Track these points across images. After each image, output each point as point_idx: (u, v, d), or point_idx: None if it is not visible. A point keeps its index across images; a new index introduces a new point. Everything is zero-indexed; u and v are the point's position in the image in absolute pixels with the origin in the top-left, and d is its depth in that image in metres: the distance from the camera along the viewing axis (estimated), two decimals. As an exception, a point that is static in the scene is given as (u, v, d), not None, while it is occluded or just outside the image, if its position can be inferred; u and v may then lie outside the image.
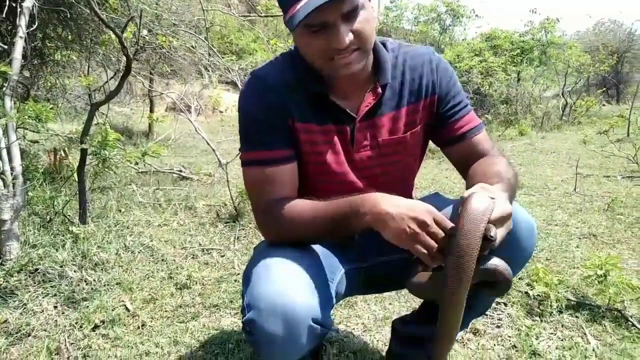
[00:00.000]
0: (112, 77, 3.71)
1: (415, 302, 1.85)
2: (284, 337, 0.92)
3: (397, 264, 1.14)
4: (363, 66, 1.04)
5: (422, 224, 0.89)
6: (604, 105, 11.17)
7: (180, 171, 3.93)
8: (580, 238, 2.66)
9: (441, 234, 0.89)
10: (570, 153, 5.82)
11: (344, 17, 0.96)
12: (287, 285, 0.95)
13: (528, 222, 1.08)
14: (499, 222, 0.87)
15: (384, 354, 1.57)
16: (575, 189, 3.77)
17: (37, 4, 2.14)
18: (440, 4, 11.73)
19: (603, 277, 1.86)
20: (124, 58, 2.22)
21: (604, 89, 13.38)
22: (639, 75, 14.91)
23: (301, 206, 1.04)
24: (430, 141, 1.27)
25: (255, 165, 1.09)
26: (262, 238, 1.19)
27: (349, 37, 0.96)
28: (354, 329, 1.75)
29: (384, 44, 1.15)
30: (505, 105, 9.10)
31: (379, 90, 1.11)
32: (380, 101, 1.13)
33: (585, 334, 1.69)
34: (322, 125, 1.12)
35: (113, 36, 2.11)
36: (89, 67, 4.36)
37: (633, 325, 1.71)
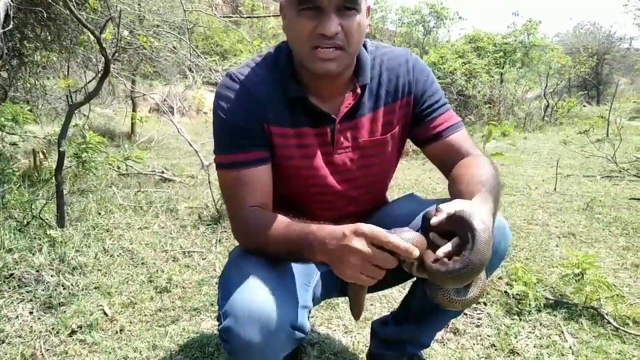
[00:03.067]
0: (92, 79, 3.66)
1: (396, 303, 1.85)
2: (262, 344, 0.91)
3: None
4: (342, 69, 1.04)
5: (365, 258, 0.87)
6: (584, 106, 11.38)
7: (163, 173, 3.89)
8: (559, 237, 2.70)
9: (388, 257, 0.87)
10: (551, 153, 5.91)
11: (338, 8, 0.96)
12: (263, 291, 0.94)
13: (500, 223, 1.10)
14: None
15: (364, 355, 1.57)
16: (555, 189, 3.83)
17: (12, 4, 2.10)
18: (424, 6, 11.81)
19: (580, 276, 1.89)
20: (104, 59, 2.19)
21: (585, 90, 13.64)
22: (618, 76, 15.24)
23: (275, 227, 1.01)
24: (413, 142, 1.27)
25: (229, 168, 1.08)
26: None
27: (337, 28, 0.96)
28: (335, 330, 1.75)
29: (363, 45, 1.15)
30: (488, 106, 9.21)
31: (358, 90, 1.11)
32: (359, 102, 1.12)
33: (562, 332, 1.71)
34: (297, 128, 1.11)
35: (92, 37, 2.07)
36: (69, 68, 4.30)
37: (608, 322, 1.74)
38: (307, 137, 1.11)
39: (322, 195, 1.18)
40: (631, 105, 10.41)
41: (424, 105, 1.17)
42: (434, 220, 0.89)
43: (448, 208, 0.88)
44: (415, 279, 1.33)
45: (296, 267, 1.07)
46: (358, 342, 1.67)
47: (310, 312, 1.10)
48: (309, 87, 1.09)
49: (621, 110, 8.41)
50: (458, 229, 0.87)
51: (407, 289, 1.41)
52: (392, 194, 1.41)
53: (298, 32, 0.99)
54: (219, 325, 0.95)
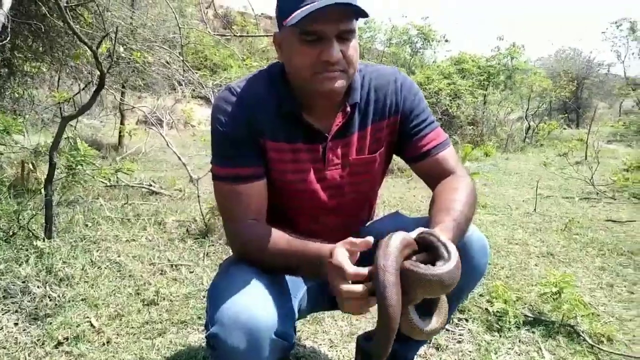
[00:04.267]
0: (82, 89, 3.67)
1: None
2: (247, 351, 0.94)
3: None
4: (344, 89, 1.10)
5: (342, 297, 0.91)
6: (564, 128, 11.67)
7: (150, 186, 3.89)
8: (538, 257, 2.78)
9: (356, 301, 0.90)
10: (532, 174, 6.05)
11: (339, 36, 1.02)
12: (250, 300, 0.97)
13: (480, 240, 1.15)
14: None
15: (349, 369, 1.60)
16: (535, 209, 3.93)
17: (9, 16, 2.13)
18: (411, 27, 12.07)
19: (558, 295, 1.96)
20: (97, 71, 2.23)
21: (565, 113, 14.00)
22: (597, 100, 15.69)
23: (273, 241, 1.06)
24: (400, 159, 1.33)
25: (225, 181, 1.12)
26: (231, 254, 1.21)
27: (339, 55, 1.02)
28: (320, 344, 1.78)
29: None
30: (472, 126, 9.40)
31: (348, 109, 1.16)
32: (349, 120, 1.17)
33: (540, 348, 1.77)
34: (292, 143, 1.15)
35: (87, 50, 2.11)
36: (59, 79, 4.30)
37: (584, 340, 1.81)
38: (301, 153, 1.16)
39: (312, 209, 1.22)
40: (609, 129, 10.74)
41: (412, 124, 1.21)
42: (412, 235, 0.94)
43: (415, 232, 0.95)
44: None
45: (283, 279, 1.11)
46: (343, 356, 1.70)
47: (295, 322, 1.13)
48: (302, 104, 1.14)
49: (599, 133, 8.67)
50: (428, 249, 0.92)
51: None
52: (378, 211, 1.47)
53: (301, 60, 1.04)
54: (206, 333, 0.98)
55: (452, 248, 0.89)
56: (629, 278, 2.47)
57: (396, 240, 0.89)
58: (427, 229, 0.94)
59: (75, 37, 2.12)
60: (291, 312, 1.08)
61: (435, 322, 0.97)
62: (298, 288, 1.21)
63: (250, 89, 1.14)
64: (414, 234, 0.95)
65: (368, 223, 1.39)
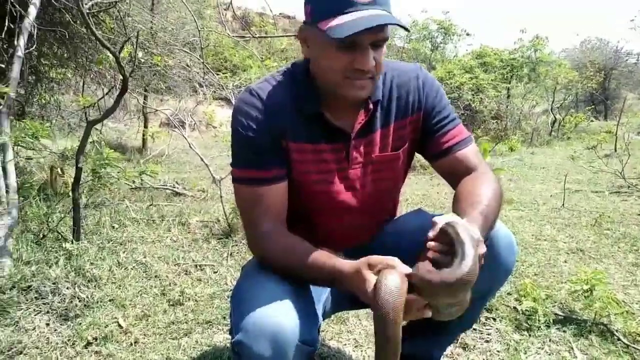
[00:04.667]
0: (106, 94, 3.75)
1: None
2: (273, 358, 0.93)
3: None
4: (371, 93, 1.10)
5: None
6: (592, 121, 11.36)
7: (174, 187, 3.95)
8: (568, 253, 2.71)
9: None
10: (559, 168, 5.91)
11: (373, 44, 1.01)
12: (274, 306, 0.96)
13: (507, 237, 1.12)
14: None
15: (375, 369, 1.59)
16: (563, 204, 3.83)
17: (35, 24, 2.19)
18: (431, 22, 11.94)
19: (589, 292, 1.90)
20: (119, 76, 2.27)
21: (592, 105, 13.63)
22: (626, 91, 15.22)
23: (290, 251, 1.06)
24: (421, 156, 1.31)
25: (246, 184, 1.11)
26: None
27: (373, 62, 1.01)
28: (345, 344, 1.77)
29: None
30: (495, 121, 9.24)
31: (371, 107, 1.14)
32: (372, 118, 1.16)
33: (572, 348, 1.72)
34: (315, 144, 1.14)
35: (109, 55, 2.15)
36: (83, 84, 4.40)
37: (619, 339, 1.75)
38: (324, 153, 1.15)
39: (334, 209, 1.21)
40: (639, 121, 10.40)
41: (434, 121, 1.20)
42: (429, 234, 0.93)
43: (440, 221, 0.93)
44: None
45: (307, 283, 1.10)
46: (368, 356, 1.69)
47: (320, 326, 1.13)
48: (324, 104, 1.12)
49: (629, 125, 8.40)
50: (450, 243, 0.89)
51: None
52: (401, 209, 1.45)
53: (333, 64, 1.03)
54: (231, 339, 0.98)
55: (469, 248, 0.85)
56: (664, 274, 2.38)
57: (393, 289, 0.86)
58: (452, 220, 0.91)
59: (98, 42, 2.16)
60: (315, 317, 1.08)
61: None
62: (322, 291, 1.20)
63: (271, 90, 1.12)
64: (440, 223, 0.92)
65: (391, 222, 1.37)
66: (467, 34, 11.88)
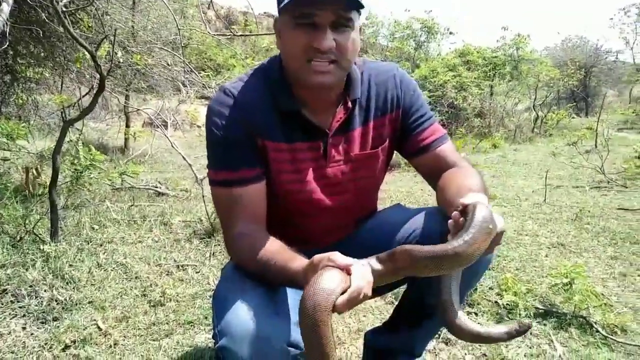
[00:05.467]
0: (86, 94, 3.68)
1: (388, 315, 1.87)
2: None
3: None
4: (335, 82, 1.06)
5: None
6: (573, 117, 11.53)
7: (156, 187, 3.90)
8: (549, 247, 2.74)
9: None
10: (541, 164, 5.99)
11: (333, 24, 0.99)
12: (258, 309, 0.95)
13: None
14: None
15: (357, 366, 1.58)
16: (545, 200, 3.88)
17: (9, 22, 2.13)
18: (414, 21, 11.99)
19: (569, 286, 1.92)
20: (98, 75, 2.22)
21: (573, 102, 13.85)
22: (606, 88, 15.50)
23: (263, 254, 1.02)
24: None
25: (222, 186, 1.09)
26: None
27: (331, 43, 0.99)
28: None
29: None
30: (479, 118, 9.33)
31: (349, 104, 1.14)
32: (350, 116, 1.15)
33: (552, 341, 1.74)
34: (291, 143, 1.12)
35: (87, 54, 2.11)
36: (62, 84, 4.32)
37: (597, 331, 1.77)
38: (300, 152, 1.13)
39: (311, 208, 1.19)
40: (618, 117, 10.60)
41: (412, 119, 1.20)
42: (454, 214, 0.93)
43: (463, 200, 0.93)
44: (406, 287, 1.36)
45: None
46: (351, 353, 1.68)
47: None
48: (301, 100, 1.11)
49: (609, 121, 8.55)
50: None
51: (399, 300, 1.44)
52: (384, 206, 1.44)
53: (293, 46, 1.02)
54: (215, 344, 0.95)
55: (475, 226, 0.86)
56: (642, 267, 2.42)
57: (320, 288, 0.83)
58: (477, 201, 0.91)
59: (75, 41, 2.11)
60: None
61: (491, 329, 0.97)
62: None
63: (245, 88, 1.11)
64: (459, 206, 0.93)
65: (370, 217, 1.36)
66: (450, 33, 11.97)
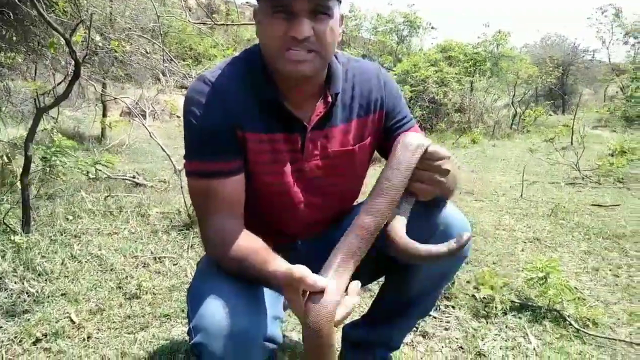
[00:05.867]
0: (61, 82, 3.57)
1: (367, 307, 1.88)
2: (235, 358, 0.91)
3: None
4: (314, 72, 1.03)
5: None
6: (550, 115, 11.76)
7: (134, 178, 3.83)
8: (525, 242, 2.79)
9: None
10: (518, 160, 6.08)
11: (311, 12, 0.96)
12: (234, 304, 0.93)
13: (462, 221, 1.14)
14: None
15: None
16: (522, 195, 3.94)
17: (-23, 4, 2.05)
18: (397, 15, 12.02)
19: (544, 280, 1.95)
20: (73, 62, 2.15)
21: (551, 99, 14.12)
22: (582, 87, 15.85)
23: (239, 250, 1.00)
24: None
25: (200, 177, 1.06)
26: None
27: (309, 32, 0.96)
28: (306, 335, 1.75)
29: (335, 56, 1.15)
30: (459, 114, 9.42)
31: (329, 99, 1.11)
32: (331, 111, 1.13)
33: (527, 334, 1.77)
34: (271, 134, 1.09)
35: (62, 39, 2.04)
36: (36, 70, 4.19)
37: (570, 324, 1.81)
38: (278, 143, 1.11)
39: (287, 202, 1.17)
40: (594, 115, 10.85)
41: (393, 120, 1.20)
42: None
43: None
44: (384, 280, 1.36)
45: None
46: (329, 346, 1.68)
47: (282, 321, 1.10)
48: (281, 91, 1.08)
49: (585, 119, 8.74)
50: None
51: (377, 293, 1.44)
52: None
53: (270, 35, 0.99)
54: (189, 340, 0.93)
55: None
56: (613, 262, 2.48)
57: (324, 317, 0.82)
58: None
59: (49, 25, 2.04)
60: (277, 313, 1.05)
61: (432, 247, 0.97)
62: None
63: (225, 77, 1.07)
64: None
65: (351, 212, 1.35)
66: (432, 27, 12.04)
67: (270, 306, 1.02)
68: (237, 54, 1.18)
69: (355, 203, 1.37)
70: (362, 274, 1.00)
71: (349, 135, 1.16)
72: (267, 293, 1.04)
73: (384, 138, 1.21)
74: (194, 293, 1.02)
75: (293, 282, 0.84)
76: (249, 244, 1.01)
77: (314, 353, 0.84)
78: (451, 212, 1.14)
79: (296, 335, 1.75)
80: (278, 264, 0.93)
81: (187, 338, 1.67)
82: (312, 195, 1.18)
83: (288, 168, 1.13)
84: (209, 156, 1.05)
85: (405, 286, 1.25)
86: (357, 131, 1.17)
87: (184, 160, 1.09)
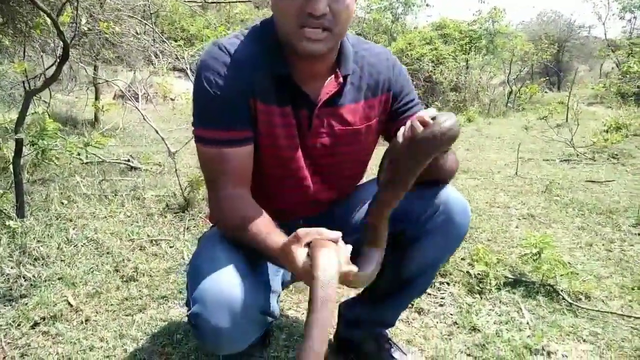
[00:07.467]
0: (51, 65, 3.51)
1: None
2: (231, 330, 0.92)
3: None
4: (328, 50, 1.02)
5: None
6: (546, 92, 11.72)
7: (128, 161, 3.80)
8: (519, 219, 2.81)
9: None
10: (513, 138, 6.09)
11: None
12: (233, 277, 0.95)
13: (461, 203, 1.14)
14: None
15: (332, 337, 1.60)
16: (517, 173, 3.96)
17: (-40, -15, 2.00)
18: (392, -7, 11.86)
19: (537, 255, 1.97)
20: (61, 43, 2.12)
21: (546, 76, 14.05)
22: (578, 63, 15.76)
23: (248, 221, 1.01)
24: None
25: (212, 145, 1.05)
26: (209, 227, 1.18)
27: (325, 8, 0.94)
28: (303, 313, 1.77)
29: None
30: (454, 92, 9.37)
31: (341, 79, 1.11)
32: (340, 91, 1.12)
33: (520, 308, 1.79)
34: (282, 107, 1.09)
35: (48, 20, 2.00)
36: (24, 53, 4.12)
37: (563, 298, 1.84)
38: (288, 117, 1.10)
39: (292, 177, 1.18)
40: (589, 92, 10.81)
41: (400, 103, 1.20)
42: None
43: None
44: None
45: None
46: (326, 324, 1.70)
47: (279, 296, 1.11)
48: (292, 66, 1.07)
49: (580, 96, 8.71)
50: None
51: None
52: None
53: (285, 10, 0.97)
54: (187, 311, 0.95)
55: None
56: (606, 237, 2.51)
57: (329, 267, 0.84)
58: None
59: (35, 6, 2.00)
60: (275, 287, 1.07)
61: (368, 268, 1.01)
62: None
63: (240, 46, 1.06)
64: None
65: (355, 190, 1.35)
66: (427, 5, 11.88)
67: (269, 281, 1.04)
68: (231, 31, 1.17)
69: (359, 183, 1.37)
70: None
71: (356, 115, 1.16)
72: (266, 268, 1.05)
73: (390, 120, 1.21)
74: (194, 266, 1.04)
75: (305, 235, 0.88)
76: (254, 213, 1.03)
77: (319, 303, 0.83)
78: (451, 193, 1.15)
79: (293, 314, 1.77)
80: (281, 236, 0.97)
81: (184, 319, 1.69)
82: (316, 172, 1.19)
83: (297, 143, 1.13)
84: (222, 124, 1.04)
85: (402, 266, 1.26)
86: (365, 112, 1.17)
87: (192, 127, 1.08)
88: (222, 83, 1.02)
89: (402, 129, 1.00)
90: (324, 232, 0.89)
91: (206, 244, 1.11)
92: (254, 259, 1.04)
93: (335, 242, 0.89)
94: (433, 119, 0.97)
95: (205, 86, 1.03)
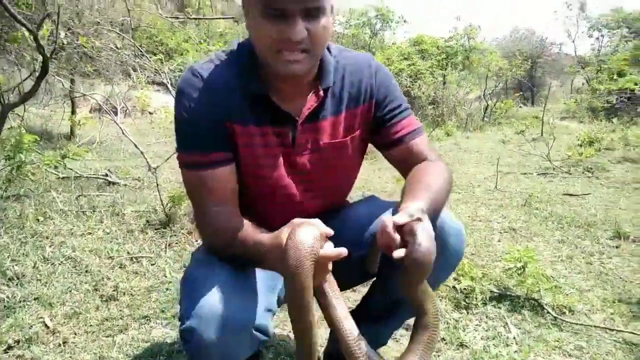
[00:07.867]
0: (27, 78, 3.44)
1: (353, 305, 1.88)
2: (224, 346, 0.91)
3: (338, 265, 1.15)
4: (307, 70, 1.03)
5: None
6: (520, 107, 12.03)
7: (106, 176, 3.72)
8: (501, 232, 2.84)
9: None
10: (491, 152, 6.20)
11: (305, 12, 0.94)
12: (227, 292, 0.94)
13: (456, 227, 1.14)
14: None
15: (321, 355, 1.58)
16: (496, 186, 4.02)
17: None
18: (370, 9, 12.05)
19: (522, 270, 1.99)
20: (40, 57, 2.07)
21: (520, 91, 14.44)
22: (550, 79, 16.25)
23: (232, 231, 1.02)
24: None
25: (192, 169, 1.06)
26: (196, 244, 1.16)
27: (303, 33, 0.94)
28: (290, 331, 1.74)
29: (327, 48, 1.14)
30: (432, 107, 9.53)
31: (321, 93, 1.10)
32: (321, 105, 1.12)
33: (507, 323, 1.80)
34: (261, 127, 1.09)
35: (27, 34, 1.95)
36: (-1, 66, 4.03)
37: (548, 312, 1.85)
38: (269, 137, 1.10)
39: (278, 195, 1.17)
40: (562, 107, 11.13)
41: (385, 110, 1.18)
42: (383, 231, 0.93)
43: (395, 220, 0.92)
44: (374, 279, 1.36)
45: (261, 270, 1.07)
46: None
47: (274, 315, 1.09)
48: (271, 86, 1.07)
49: (553, 110, 8.96)
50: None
51: (366, 290, 1.43)
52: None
53: (263, 35, 0.97)
54: (180, 326, 0.94)
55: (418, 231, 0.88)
56: (586, 250, 2.56)
57: (301, 241, 0.84)
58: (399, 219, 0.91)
59: (13, 19, 1.95)
60: (270, 305, 1.06)
61: None
62: (277, 278, 1.16)
63: (215, 70, 1.07)
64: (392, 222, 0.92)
65: (342, 209, 1.34)
66: (405, 21, 12.10)
67: (264, 298, 1.02)
68: (210, 47, 1.18)
69: (348, 197, 1.37)
70: (352, 275, 1.00)
71: (339, 127, 1.16)
72: (262, 285, 1.04)
73: (377, 128, 1.19)
74: (188, 280, 1.02)
75: (293, 222, 0.92)
76: (243, 225, 1.03)
77: (293, 297, 0.84)
78: (446, 218, 1.13)
79: (279, 332, 1.74)
80: (272, 233, 0.98)
81: (168, 340, 1.65)
82: (304, 188, 1.17)
83: (280, 161, 1.13)
84: (199, 148, 1.05)
85: (394, 287, 1.25)
86: (347, 122, 1.16)
87: (176, 152, 1.10)
88: (197, 108, 1.04)
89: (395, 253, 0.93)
90: (318, 222, 0.92)
91: (199, 259, 1.10)
92: (249, 275, 1.03)
93: (328, 235, 0.91)
94: (400, 227, 0.91)
95: (182, 112, 1.05)
